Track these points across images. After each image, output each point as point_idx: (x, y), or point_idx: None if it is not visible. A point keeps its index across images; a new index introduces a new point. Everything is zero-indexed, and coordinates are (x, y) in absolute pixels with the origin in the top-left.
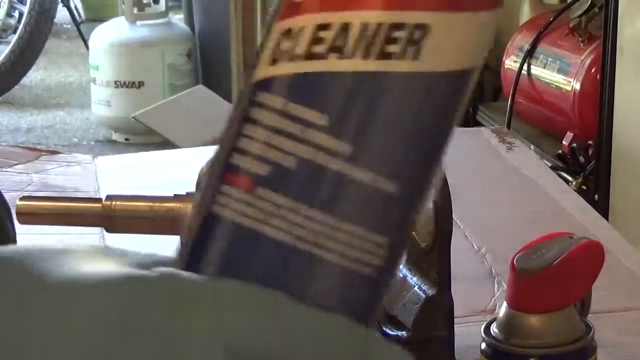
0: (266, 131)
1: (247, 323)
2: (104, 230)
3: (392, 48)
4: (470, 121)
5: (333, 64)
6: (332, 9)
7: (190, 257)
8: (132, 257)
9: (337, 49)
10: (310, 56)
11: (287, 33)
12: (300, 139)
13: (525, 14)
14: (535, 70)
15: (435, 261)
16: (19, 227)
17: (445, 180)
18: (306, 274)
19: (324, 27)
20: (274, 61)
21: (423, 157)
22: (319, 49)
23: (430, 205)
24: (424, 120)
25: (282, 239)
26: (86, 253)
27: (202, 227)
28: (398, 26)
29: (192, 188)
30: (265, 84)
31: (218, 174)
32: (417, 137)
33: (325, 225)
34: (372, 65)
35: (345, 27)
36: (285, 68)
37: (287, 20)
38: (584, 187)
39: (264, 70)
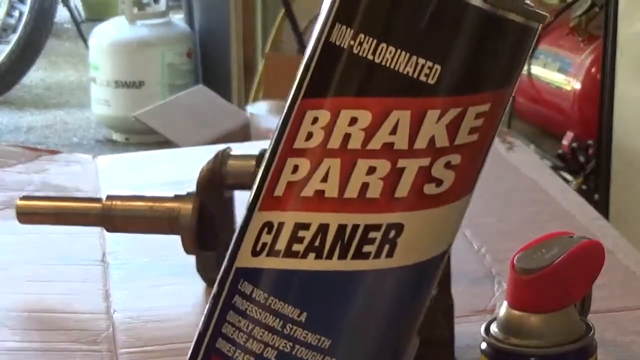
0: (249, 322)
1: None
2: (104, 230)
3: (368, 248)
4: None
5: (311, 264)
6: (310, 209)
7: None
8: None
9: (315, 249)
10: (289, 254)
11: (268, 225)
12: (281, 333)
13: None
14: (535, 70)
15: None
16: (20, 227)
17: None
18: None
19: (303, 226)
20: (254, 252)
21: (398, 339)
22: (298, 247)
23: None
24: (398, 307)
25: None
26: None
27: None
28: (374, 227)
29: (192, 188)
30: (248, 274)
31: (202, 353)
32: (392, 323)
33: None
34: (349, 265)
35: (323, 228)
36: (266, 262)
37: (267, 213)
38: (584, 187)
39: (245, 259)
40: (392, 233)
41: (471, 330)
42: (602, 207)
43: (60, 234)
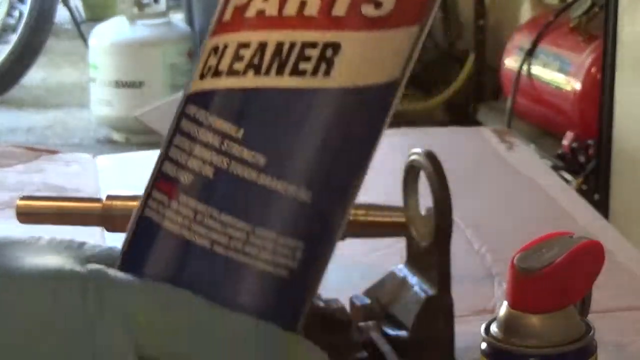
0: (190, 142)
1: (157, 323)
2: (104, 230)
3: (305, 65)
4: (470, 121)
5: (249, 81)
6: (251, 29)
7: (125, 254)
8: (82, 251)
9: (253, 66)
10: (230, 72)
11: (215, 49)
12: (218, 149)
13: (525, 13)
14: (535, 69)
15: (435, 261)
16: (20, 227)
17: (445, 180)
18: (223, 276)
19: (244, 45)
20: (202, 76)
21: (338, 168)
22: (239, 66)
23: (430, 204)
24: (337, 133)
25: (200, 243)
26: (42, 246)
27: (136, 227)
28: (310, 45)
29: None
30: (194, 97)
31: (152, 179)
32: (331, 149)
33: (240, 230)
34: (286, 82)
35: (262, 46)
36: (210, 83)
37: (215, 38)
38: (584, 187)
39: (194, 85)
40: (329, 52)
41: (471, 330)
42: (602, 207)
43: (60, 234)
